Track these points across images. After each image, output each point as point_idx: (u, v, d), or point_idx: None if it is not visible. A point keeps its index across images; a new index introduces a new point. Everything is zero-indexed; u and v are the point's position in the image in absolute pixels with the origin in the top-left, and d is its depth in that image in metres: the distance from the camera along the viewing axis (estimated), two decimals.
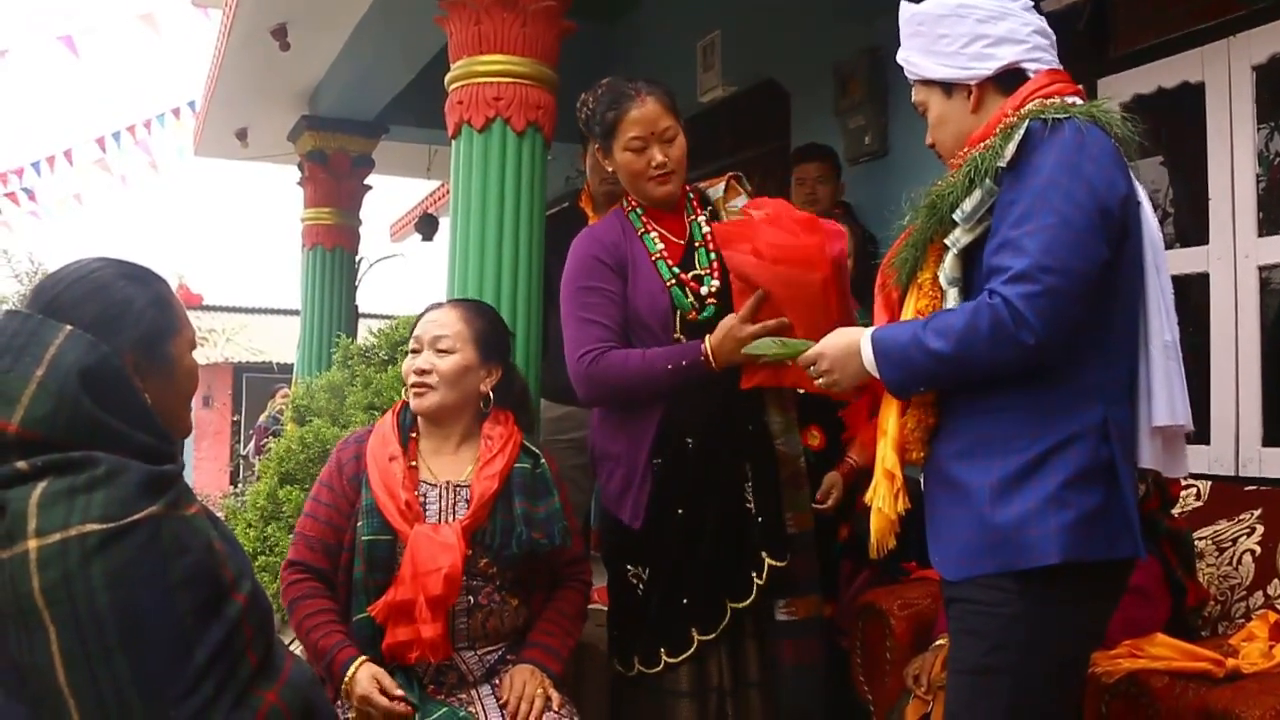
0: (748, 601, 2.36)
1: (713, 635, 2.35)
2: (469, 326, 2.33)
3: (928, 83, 1.91)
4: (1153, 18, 3.44)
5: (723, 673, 2.39)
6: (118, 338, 1.40)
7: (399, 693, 2.05)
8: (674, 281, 2.43)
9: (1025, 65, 1.82)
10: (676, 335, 2.40)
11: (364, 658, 2.11)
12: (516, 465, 2.25)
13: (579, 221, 3.36)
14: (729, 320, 2.31)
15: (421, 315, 2.42)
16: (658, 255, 2.44)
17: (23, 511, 1.24)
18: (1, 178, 10.94)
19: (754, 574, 2.36)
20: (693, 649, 2.34)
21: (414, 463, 2.27)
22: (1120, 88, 3.38)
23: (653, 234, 2.47)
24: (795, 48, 4.83)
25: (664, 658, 2.35)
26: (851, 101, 4.43)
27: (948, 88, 1.88)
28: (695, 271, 2.45)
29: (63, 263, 1.51)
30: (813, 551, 2.52)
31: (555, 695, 2.15)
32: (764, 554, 2.37)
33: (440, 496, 2.23)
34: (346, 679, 2.07)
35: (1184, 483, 2.89)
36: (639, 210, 2.50)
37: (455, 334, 2.30)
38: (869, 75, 4.33)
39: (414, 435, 2.32)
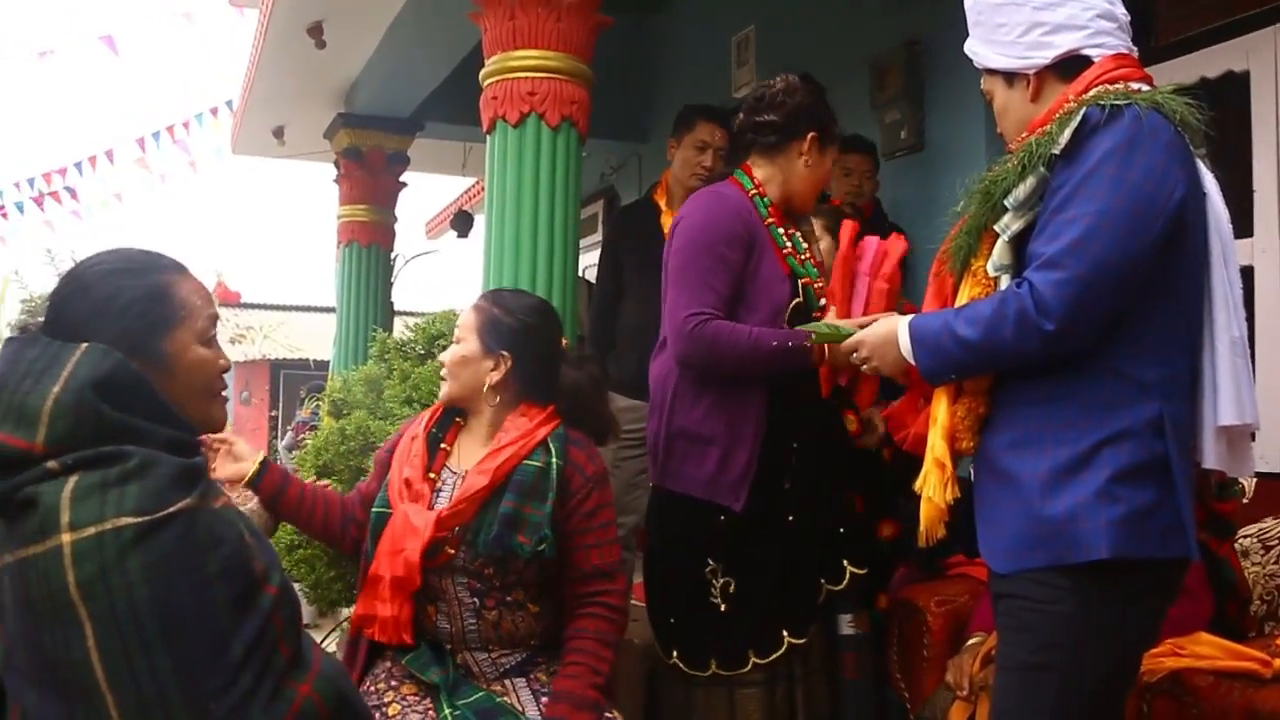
0: (820, 600, 2.42)
1: (804, 639, 2.37)
2: (477, 315, 2.24)
3: (990, 72, 1.89)
4: (1195, 7, 3.38)
5: (792, 662, 2.40)
6: (103, 335, 1.38)
7: None
8: (807, 280, 2.45)
9: (1087, 51, 1.77)
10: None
11: None
12: (524, 462, 2.11)
13: (653, 214, 3.37)
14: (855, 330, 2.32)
15: None
16: (788, 251, 2.45)
17: (55, 505, 1.23)
18: (45, 177, 11.10)
19: (824, 580, 2.41)
20: (782, 649, 2.36)
21: (447, 446, 2.23)
22: (1161, 79, 3.31)
23: (781, 229, 2.48)
24: (830, 41, 4.80)
25: (753, 659, 2.35)
26: (887, 96, 4.39)
27: (1009, 77, 1.85)
28: (806, 278, 2.49)
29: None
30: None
31: None
32: (846, 562, 2.40)
33: (455, 484, 2.17)
34: None
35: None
36: (767, 200, 2.49)
37: (465, 324, 2.24)
38: (905, 69, 4.29)
39: (459, 420, 2.28)
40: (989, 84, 1.91)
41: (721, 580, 2.38)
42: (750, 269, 2.40)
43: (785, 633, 2.35)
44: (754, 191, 2.49)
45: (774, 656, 2.35)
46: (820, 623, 2.44)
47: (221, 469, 2.20)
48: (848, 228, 2.42)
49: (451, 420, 2.27)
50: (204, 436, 2.14)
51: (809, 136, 2.46)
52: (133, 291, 1.42)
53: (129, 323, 1.40)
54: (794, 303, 2.39)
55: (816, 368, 2.33)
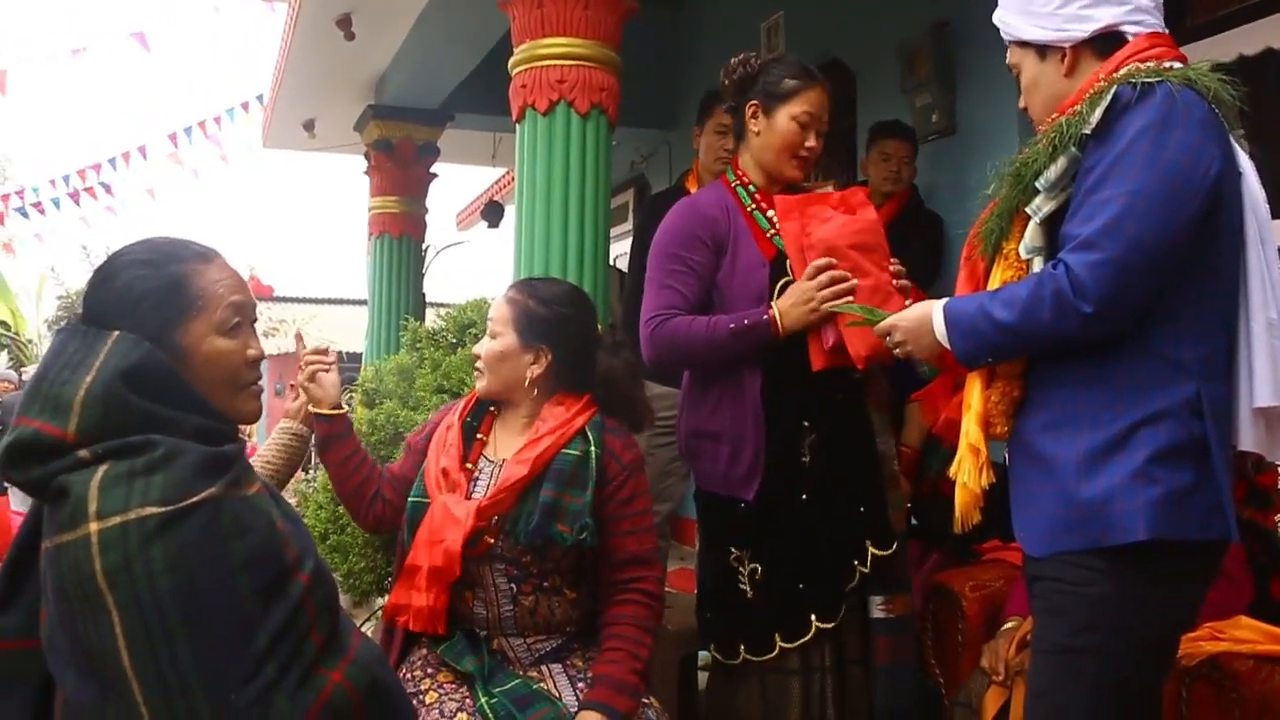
0: (852, 585, 2.37)
1: (832, 623, 2.35)
2: (513, 308, 2.21)
3: (1022, 44, 1.84)
4: None
5: (826, 652, 2.39)
6: (120, 327, 1.38)
7: None
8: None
9: (1124, 28, 1.74)
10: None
11: None
12: (562, 451, 2.12)
13: None
14: (799, 284, 2.31)
15: None
16: (775, 232, 2.44)
17: (84, 495, 1.25)
18: (79, 174, 11.24)
19: (856, 562, 2.36)
20: (810, 634, 2.34)
21: (483, 436, 2.24)
22: (1198, 57, 3.25)
23: (769, 214, 2.46)
24: (859, 26, 4.77)
25: (779, 643, 2.35)
26: (918, 79, 4.35)
27: (1041, 50, 1.81)
28: None
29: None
30: (906, 552, 2.51)
31: None
32: (868, 542, 2.36)
33: (492, 474, 2.18)
34: None
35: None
36: (751, 187, 2.49)
37: (499, 317, 2.22)
38: (935, 52, 4.25)
39: (493, 410, 2.28)
40: (1017, 57, 1.86)
41: (749, 567, 2.38)
42: (725, 265, 2.42)
43: (813, 616, 2.34)
44: (736, 182, 2.51)
45: (802, 640, 2.34)
46: (856, 612, 2.41)
47: (310, 382, 2.26)
48: (777, 205, 2.41)
49: (486, 410, 2.28)
50: (305, 352, 2.23)
51: (750, 106, 2.47)
52: (147, 283, 1.42)
53: (141, 315, 1.40)
54: (783, 282, 2.37)
55: (780, 338, 2.30)
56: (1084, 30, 1.75)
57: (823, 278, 2.26)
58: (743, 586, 2.39)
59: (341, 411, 2.28)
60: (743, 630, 2.39)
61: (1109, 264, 1.58)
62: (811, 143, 2.42)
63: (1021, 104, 1.90)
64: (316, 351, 2.29)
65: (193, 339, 1.44)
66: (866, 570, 2.36)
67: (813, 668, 2.37)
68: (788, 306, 2.29)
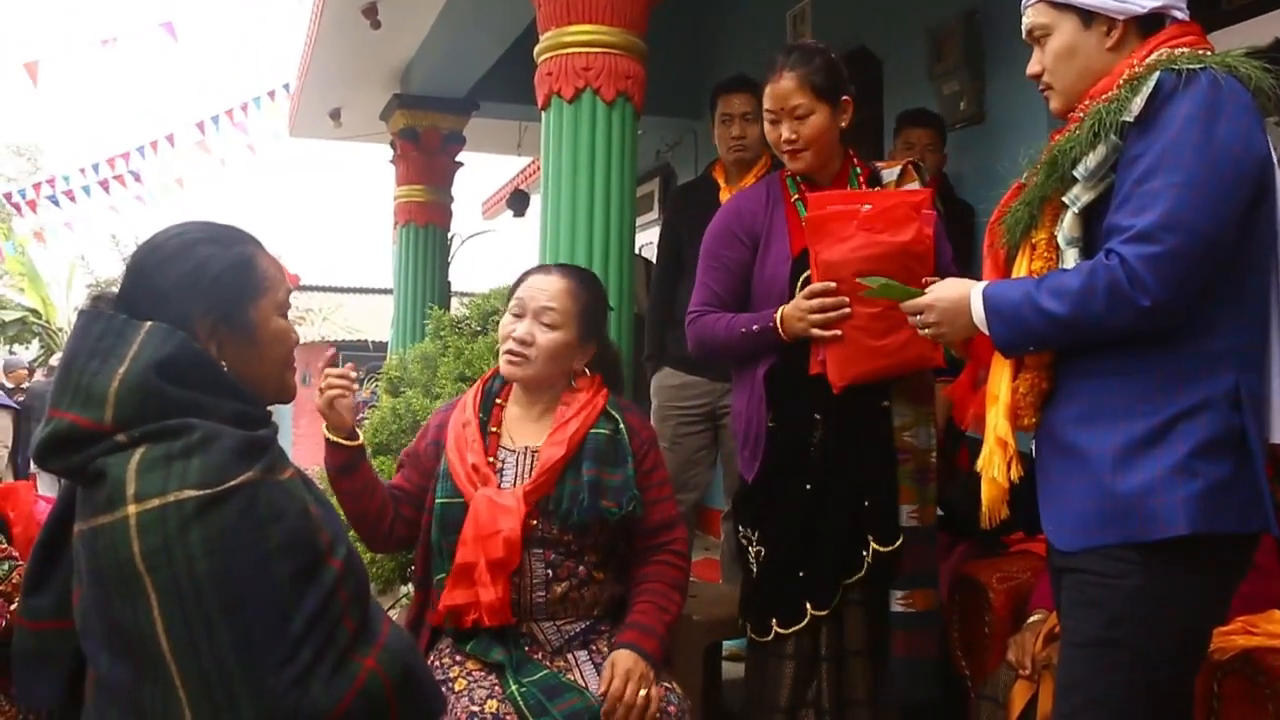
0: (858, 576, 2.37)
1: (826, 611, 2.36)
2: (576, 302, 2.24)
3: (1061, 6, 1.76)
4: None
5: (823, 640, 2.39)
6: (191, 303, 1.40)
7: None
8: None
9: (1173, 12, 1.70)
10: None
11: None
12: (592, 431, 2.20)
13: (712, 191, 3.39)
14: (797, 300, 2.34)
15: (526, 276, 2.33)
16: None
17: (122, 477, 1.26)
18: (108, 162, 11.31)
19: (864, 553, 2.36)
20: (805, 622, 2.35)
21: (495, 428, 2.26)
22: (1234, 41, 3.21)
23: None
24: (887, 13, 4.73)
25: (775, 628, 2.37)
26: (946, 67, 4.31)
27: (1087, 16, 1.74)
28: None
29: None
30: (933, 546, 2.50)
31: (654, 691, 2.04)
32: (870, 538, 2.35)
33: (517, 462, 2.21)
34: None
35: None
36: (799, 176, 2.51)
37: (562, 309, 2.22)
38: (964, 39, 4.20)
39: (499, 402, 2.31)
40: (1049, 18, 1.77)
41: (755, 549, 2.45)
42: (758, 258, 2.48)
43: (808, 604, 2.35)
44: (788, 172, 2.53)
45: (797, 628, 2.36)
46: (861, 604, 2.40)
47: (328, 409, 2.12)
48: (808, 212, 2.37)
49: (492, 402, 2.31)
50: (329, 371, 2.14)
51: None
52: (222, 261, 1.44)
53: (220, 291, 1.43)
54: (804, 276, 2.36)
55: (786, 343, 2.36)
56: (1141, 6, 1.70)
57: (814, 302, 2.29)
58: (750, 565, 2.47)
59: (358, 442, 2.19)
60: (748, 609, 2.47)
61: (1168, 257, 1.55)
62: (785, 134, 2.41)
63: (1035, 69, 1.81)
64: (341, 375, 2.15)
65: (262, 316, 1.48)
66: (871, 562, 2.36)
67: (805, 653, 2.39)
68: (788, 315, 2.35)
